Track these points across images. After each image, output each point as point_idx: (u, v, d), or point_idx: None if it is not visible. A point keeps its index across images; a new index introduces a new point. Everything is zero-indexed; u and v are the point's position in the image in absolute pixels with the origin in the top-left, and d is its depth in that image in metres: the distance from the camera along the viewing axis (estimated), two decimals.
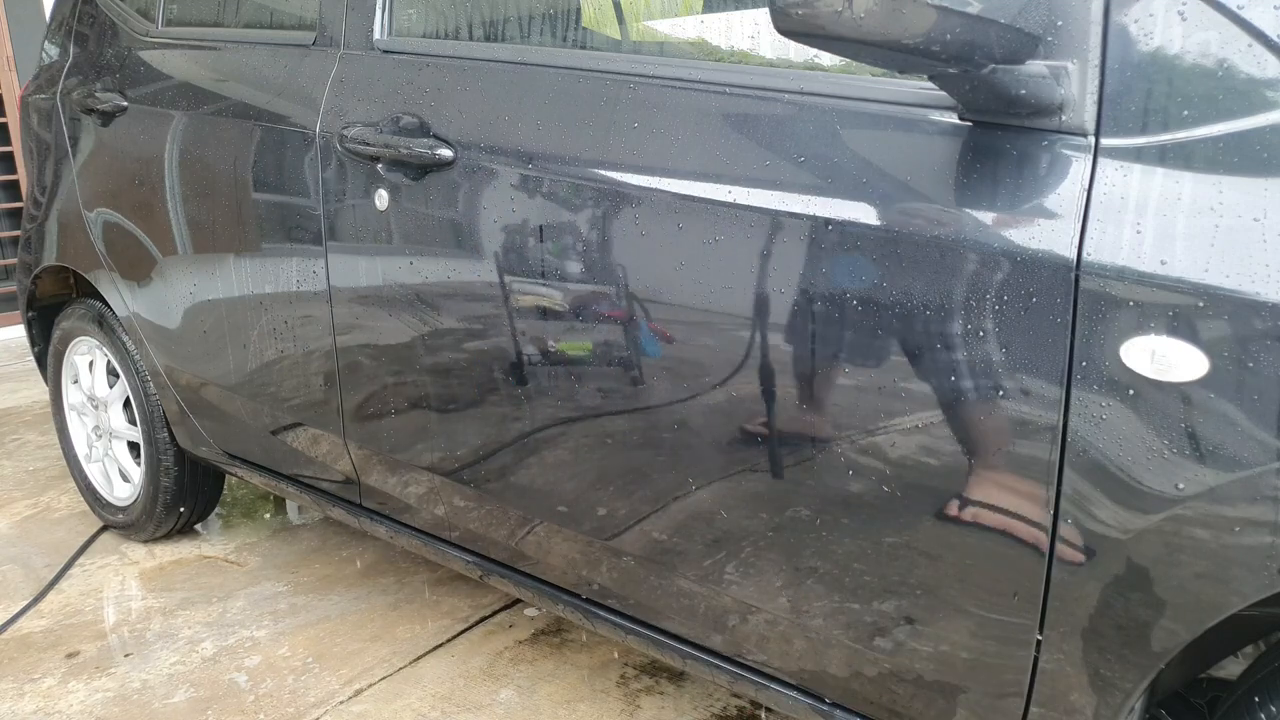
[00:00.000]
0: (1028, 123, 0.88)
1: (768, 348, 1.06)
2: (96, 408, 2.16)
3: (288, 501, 2.37)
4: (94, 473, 2.22)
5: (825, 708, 1.16)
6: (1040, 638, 0.94)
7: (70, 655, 1.77)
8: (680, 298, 1.11)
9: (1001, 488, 0.93)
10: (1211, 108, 0.83)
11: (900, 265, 0.95)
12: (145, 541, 2.16)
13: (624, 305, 1.16)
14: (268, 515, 2.32)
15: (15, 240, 3.81)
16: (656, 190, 1.12)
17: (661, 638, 1.29)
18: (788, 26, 0.78)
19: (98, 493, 2.20)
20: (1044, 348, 0.87)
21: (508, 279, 1.26)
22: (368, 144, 1.39)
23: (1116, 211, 0.84)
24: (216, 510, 2.28)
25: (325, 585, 1.99)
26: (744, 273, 1.05)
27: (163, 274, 1.82)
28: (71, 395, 2.23)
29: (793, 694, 1.18)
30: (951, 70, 0.84)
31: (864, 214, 0.97)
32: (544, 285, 1.23)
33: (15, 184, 3.76)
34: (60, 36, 2.10)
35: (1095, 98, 0.86)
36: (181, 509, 2.09)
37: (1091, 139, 0.86)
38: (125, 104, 1.85)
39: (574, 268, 1.20)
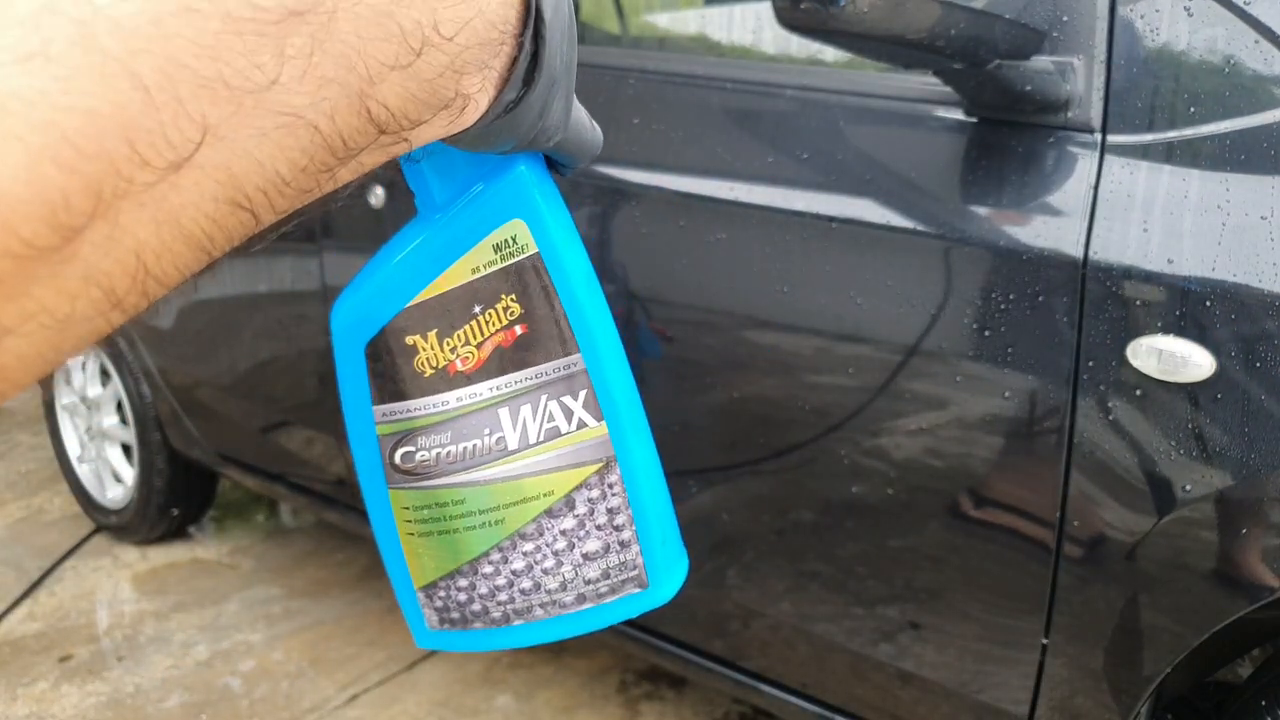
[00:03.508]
0: (1034, 119, 0.87)
1: (770, 348, 1.04)
2: (89, 408, 2.15)
3: (281, 504, 2.35)
4: (86, 474, 2.20)
5: (828, 714, 1.14)
6: (1046, 641, 0.93)
7: (63, 659, 1.75)
8: (680, 297, 1.10)
9: (1007, 490, 0.92)
10: (1218, 105, 0.82)
11: (905, 263, 0.93)
12: (138, 544, 2.15)
13: (623, 304, 1.14)
14: (261, 518, 2.30)
15: None
16: (657, 187, 1.11)
17: (662, 643, 1.27)
18: (791, 21, 0.77)
19: (90, 495, 2.18)
20: (1050, 347, 0.86)
21: None
22: None
23: (1123, 209, 0.83)
24: (210, 513, 2.26)
25: (320, 589, 1.97)
26: (746, 271, 1.04)
27: None
28: (64, 396, 2.21)
29: (795, 699, 1.16)
30: (956, 66, 0.83)
31: (868, 211, 0.95)
32: None
33: None
34: None
35: (1101, 94, 0.85)
36: (174, 511, 2.07)
37: (1098, 135, 0.85)
38: None
39: None
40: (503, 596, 0.36)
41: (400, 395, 0.35)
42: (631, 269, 1.13)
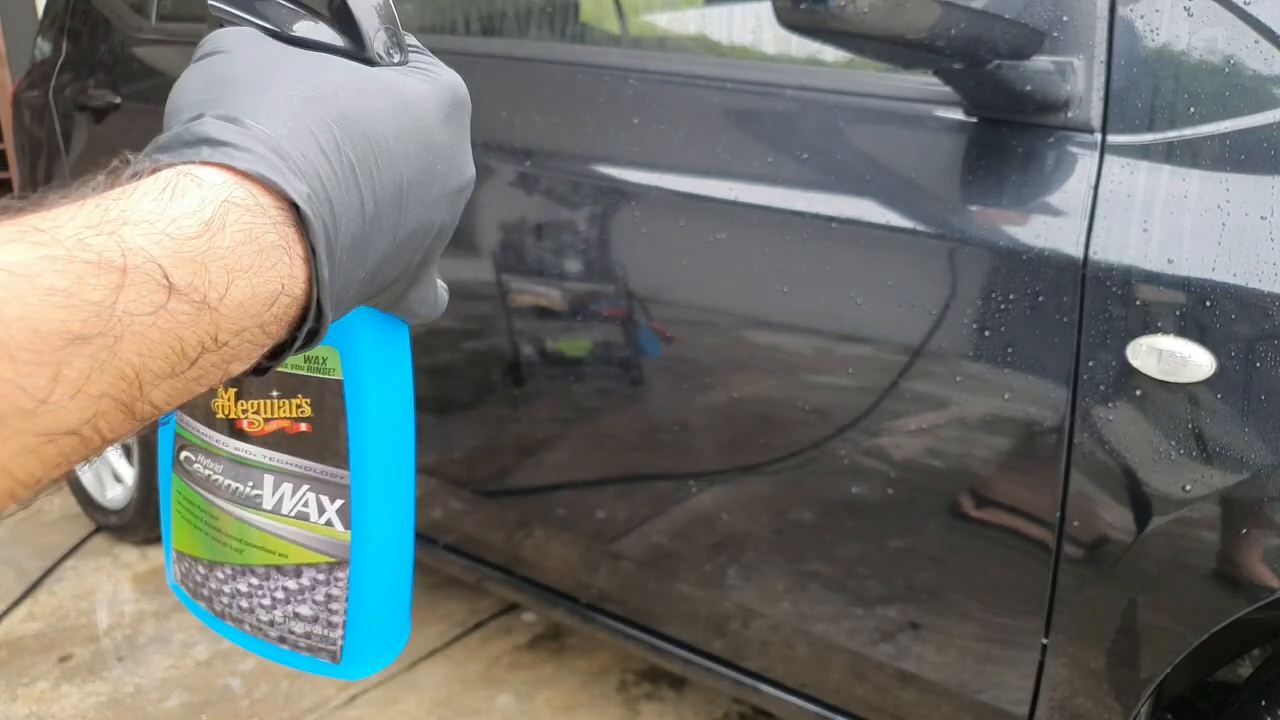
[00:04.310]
0: (1034, 119, 0.87)
1: (769, 348, 1.04)
2: None
3: None
4: (86, 474, 2.20)
5: (828, 713, 1.14)
6: (1046, 641, 0.93)
7: (63, 659, 1.75)
8: (681, 297, 1.10)
9: (1007, 490, 0.92)
10: (1218, 104, 0.82)
11: (905, 264, 0.93)
12: (138, 544, 2.15)
13: (623, 304, 1.15)
14: None
15: None
16: (657, 188, 1.11)
17: (662, 643, 1.27)
18: (791, 21, 0.77)
19: (90, 495, 2.18)
20: (1050, 347, 0.86)
21: (505, 278, 1.25)
22: None
23: (1123, 209, 0.83)
24: None
25: None
26: (746, 271, 1.04)
27: None
28: None
29: (795, 699, 1.16)
30: (956, 66, 0.83)
31: (868, 211, 0.95)
32: (542, 284, 1.22)
33: (7, 182, 3.74)
34: (53, 33, 2.09)
35: (1101, 94, 0.85)
36: None
37: (1098, 136, 0.85)
38: (118, 101, 1.83)
39: (572, 266, 1.18)
40: (225, 600, 0.40)
41: (197, 417, 0.38)
42: (631, 269, 1.13)
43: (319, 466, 0.36)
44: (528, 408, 1.27)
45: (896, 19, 0.75)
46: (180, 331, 0.22)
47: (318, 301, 0.26)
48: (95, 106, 1.88)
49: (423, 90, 0.30)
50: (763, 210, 1.02)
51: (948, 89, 0.90)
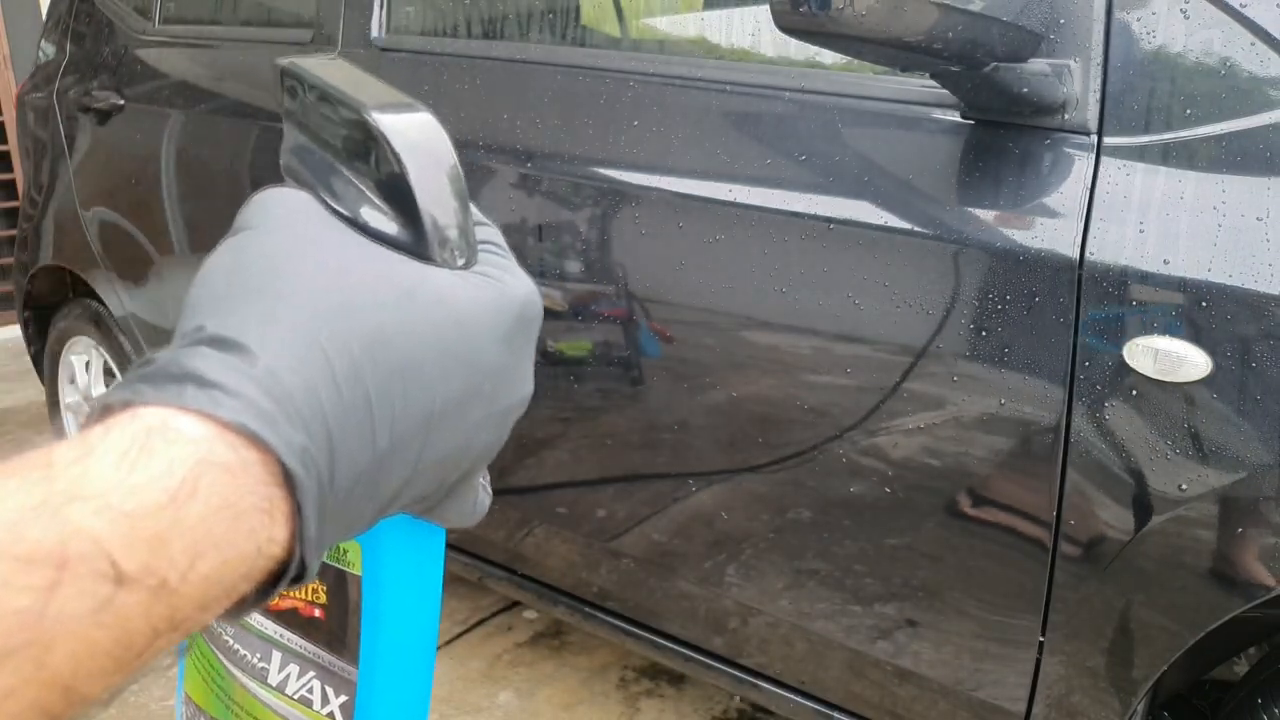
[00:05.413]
0: (1030, 121, 0.88)
1: (768, 348, 1.05)
2: None
3: None
4: None
5: (827, 710, 1.15)
6: (1043, 639, 0.94)
7: None
8: (680, 297, 1.11)
9: (1004, 489, 0.93)
10: (1214, 106, 0.83)
11: (902, 264, 0.94)
12: None
13: (623, 305, 1.15)
14: None
15: (11, 240, 3.79)
16: (656, 189, 1.11)
17: (662, 640, 1.28)
18: (789, 24, 0.78)
19: None
20: (1047, 347, 0.87)
21: None
22: None
23: (1119, 210, 0.84)
24: None
25: None
26: (745, 272, 1.04)
27: (160, 274, 1.81)
28: (68, 395, 2.22)
29: (794, 696, 1.17)
30: (953, 68, 0.83)
31: (866, 213, 0.96)
32: (543, 284, 1.22)
33: (11, 183, 3.75)
34: (57, 35, 2.09)
35: (1098, 96, 0.86)
36: None
37: (1094, 137, 0.86)
38: (122, 102, 1.84)
39: (573, 267, 1.19)
40: None
41: None
42: (631, 269, 1.14)
43: (327, 656, 0.34)
44: (528, 406, 1.28)
45: (894, 22, 0.75)
46: (129, 624, 0.19)
47: (301, 557, 0.22)
48: (99, 108, 1.88)
49: (483, 301, 0.26)
50: (761, 211, 1.02)
51: (945, 92, 0.91)
